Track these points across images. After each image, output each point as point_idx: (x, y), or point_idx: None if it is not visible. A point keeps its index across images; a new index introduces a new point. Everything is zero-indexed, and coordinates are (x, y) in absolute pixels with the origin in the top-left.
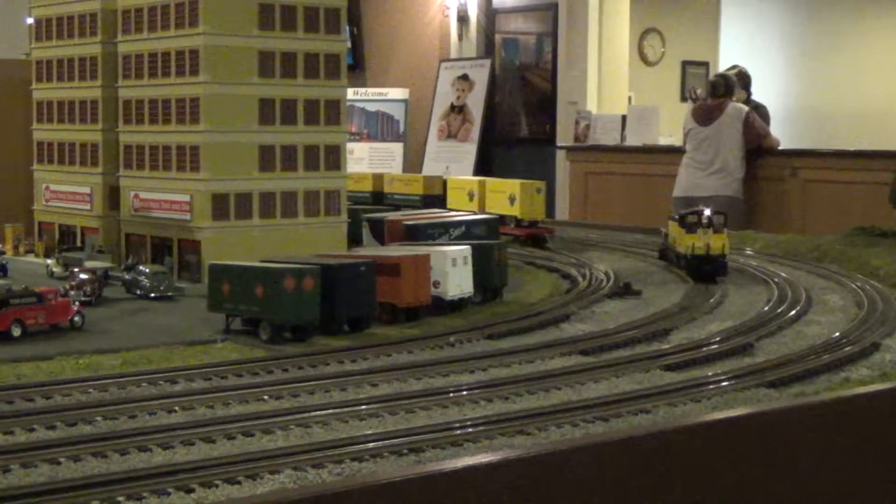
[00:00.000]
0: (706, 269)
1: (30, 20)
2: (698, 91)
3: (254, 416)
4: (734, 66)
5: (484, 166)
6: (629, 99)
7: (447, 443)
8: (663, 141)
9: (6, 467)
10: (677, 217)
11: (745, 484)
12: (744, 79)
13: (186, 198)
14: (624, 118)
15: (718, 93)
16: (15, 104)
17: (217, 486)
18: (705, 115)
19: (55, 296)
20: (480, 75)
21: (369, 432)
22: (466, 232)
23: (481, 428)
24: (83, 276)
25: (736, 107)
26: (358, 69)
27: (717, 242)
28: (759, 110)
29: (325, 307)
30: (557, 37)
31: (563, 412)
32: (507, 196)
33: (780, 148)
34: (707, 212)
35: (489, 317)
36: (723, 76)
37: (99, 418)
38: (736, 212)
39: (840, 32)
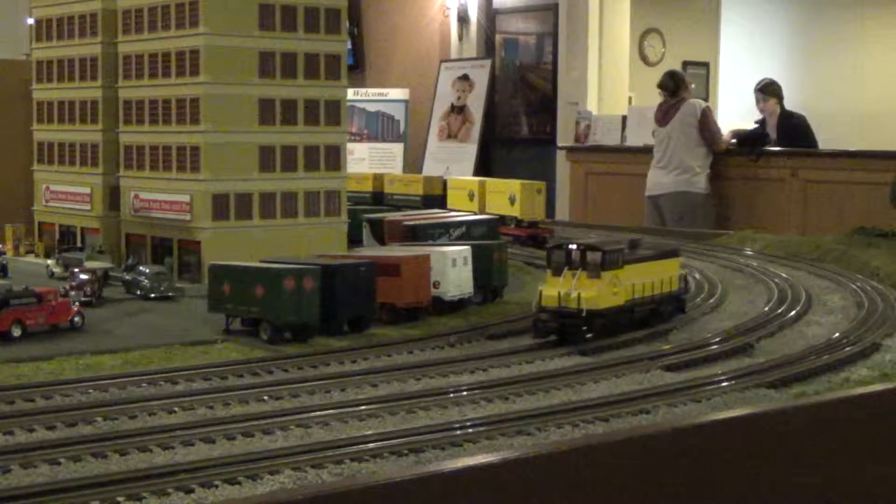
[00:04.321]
0: (542, 326)
1: (30, 20)
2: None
3: (254, 416)
4: (767, 80)
5: (484, 167)
6: (629, 99)
7: (447, 443)
8: None
9: (6, 467)
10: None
11: (745, 484)
12: (776, 89)
13: (186, 198)
14: (624, 118)
15: (669, 89)
16: (15, 104)
17: (217, 486)
18: (662, 115)
19: (55, 296)
20: (481, 75)
21: (369, 432)
22: (466, 232)
23: (481, 428)
24: (83, 276)
25: (691, 104)
26: (358, 69)
27: (585, 291)
28: (796, 120)
29: (326, 307)
30: (558, 37)
31: (563, 412)
32: (507, 196)
33: (780, 148)
34: (574, 246)
35: (489, 317)
36: (671, 73)
37: (99, 418)
38: (695, 206)
39: (840, 33)
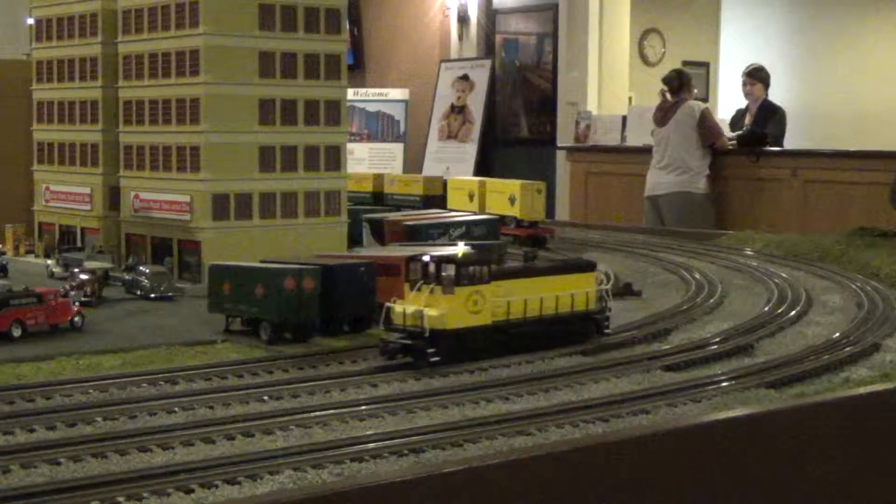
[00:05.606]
0: (388, 346)
1: (30, 20)
2: (668, 94)
3: (254, 416)
4: (755, 65)
5: (484, 167)
6: (629, 99)
7: (447, 443)
8: None
9: (6, 467)
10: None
11: (745, 484)
12: (764, 76)
13: (186, 198)
14: (624, 119)
15: (673, 87)
16: (15, 104)
17: (217, 486)
18: (662, 115)
19: (55, 296)
20: (481, 76)
21: (369, 432)
22: (466, 232)
23: (481, 428)
24: (83, 276)
25: (690, 105)
26: (358, 69)
27: (430, 309)
28: (776, 114)
29: (325, 308)
30: (558, 37)
31: (563, 412)
32: (507, 196)
33: (780, 148)
34: (427, 258)
35: None
36: (677, 71)
37: (99, 418)
38: (695, 207)
39: (841, 33)
